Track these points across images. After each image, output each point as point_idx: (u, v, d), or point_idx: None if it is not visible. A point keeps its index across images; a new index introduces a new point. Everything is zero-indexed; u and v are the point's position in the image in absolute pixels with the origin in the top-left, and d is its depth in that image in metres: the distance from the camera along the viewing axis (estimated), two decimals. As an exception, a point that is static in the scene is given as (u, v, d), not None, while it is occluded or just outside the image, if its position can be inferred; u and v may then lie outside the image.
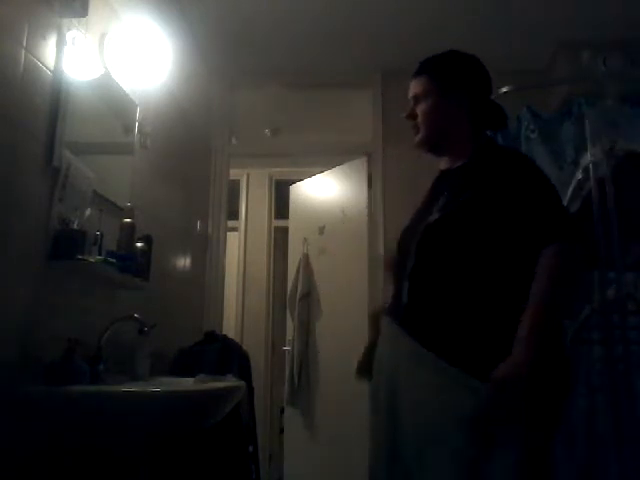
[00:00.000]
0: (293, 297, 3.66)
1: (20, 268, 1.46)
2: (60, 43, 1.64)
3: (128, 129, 2.14)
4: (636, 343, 1.99)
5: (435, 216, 1.25)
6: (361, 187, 3.38)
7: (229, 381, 1.80)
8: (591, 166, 2.15)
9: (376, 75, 3.34)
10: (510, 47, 2.98)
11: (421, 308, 1.22)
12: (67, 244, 1.57)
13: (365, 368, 1.36)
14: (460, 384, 1.11)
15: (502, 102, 1.43)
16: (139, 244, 1.98)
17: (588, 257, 1.52)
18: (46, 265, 1.55)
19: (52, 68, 1.62)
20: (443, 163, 1.41)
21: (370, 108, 3.36)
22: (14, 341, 1.43)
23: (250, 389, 2.58)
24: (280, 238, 4.43)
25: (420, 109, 1.37)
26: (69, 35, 1.67)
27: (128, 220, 1.91)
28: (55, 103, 1.62)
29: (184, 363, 2.43)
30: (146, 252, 2.02)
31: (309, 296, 3.58)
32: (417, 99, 1.38)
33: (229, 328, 3.73)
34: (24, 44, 1.49)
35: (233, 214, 3.98)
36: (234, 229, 4.22)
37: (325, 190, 3.71)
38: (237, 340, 3.08)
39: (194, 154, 3.04)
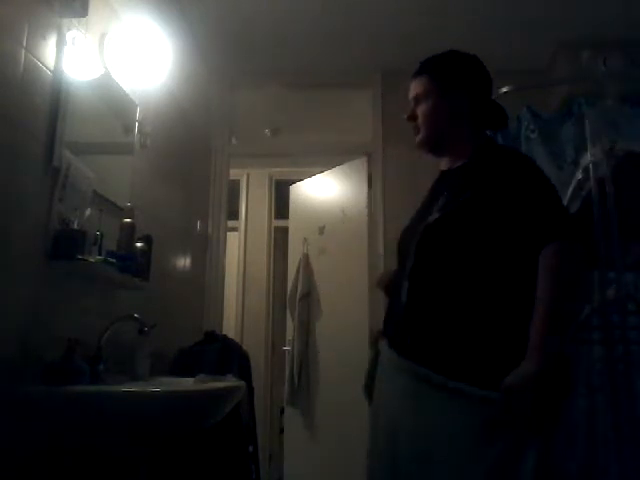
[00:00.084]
0: (293, 297, 3.66)
1: (20, 268, 1.46)
2: (60, 43, 1.64)
3: (128, 129, 2.14)
4: (636, 343, 1.99)
5: (435, 216, 1.25)
6: (361, 187, 3.38)
7: (229, 381, 1.80)
8: (591, 166, 2.15)
9: (376, 75, 3.34)
10: (510, 47, 2.98)
11: (421, 308, 1.22)
12: (67, 244, 1.57)
13: (369, 388, 1.35)
14: (464, 398, 1.10)
15: (502, 102, 1.43)
16: (139, 244, 1.98)
17: (589, 255, 1.52)
18: (46, 265, 1.55)
19: (52, 68, 1.62)
20: (443, 163, 1.41)
21: (370, 108, 3.36)
22: (14, 341, 1.43)
23: (250, 389, 2.58)
24: (280, 238, 4.43)
25: (420, 110, 1.37)
26: (69, 35, 1.67)
27: (128, 220, 1.91)
28: (55, 103, 1.62)
29: (184, 363, 2.43)
30: (146, 252, 2.02)
31: (309, 296, 3.58)
32: (418, 100, 1.38)
33: (229, 328, 3.73)
34: (24, 44, 1.49)
35: (233, 214, 3.98)
36: (234, 229, 4.22)
37: (325, 190, 3.71)
38: (237, 340, 3.08)
39: (194, 154, 3.04)
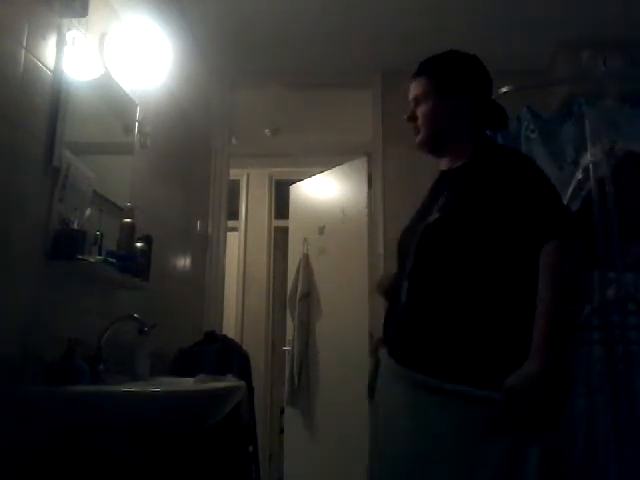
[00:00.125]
0: (293, 297, 3.66)
1: (20, 268, 1.46)
2: (60, 43, 1.64)
3: (128, 129, 2.14)
4: (636, 343, 1.99)
5: (435, 216, 1.25)
6: (361, 187, 3.38)
7: (229, 381, 1.80)
8: (591, 166, 2.15)
9: (376, 75, 3.34)
10: (510, 47, 2.98)
11: (421, 308, 1.21)
12: (67, 244, 1.57)
13: (372, 392, 1.35)
14: (463, 399, 1.10)
15: (502, 102, 1.43)
16: (139, 244, 1.98)
17: (590, 252, 1.51)
18: (46, 265, 1.55)
19: (52, 68, 1.62)
20: (443, 163, 1.41)
21: (370, 108, 3.36)
22: (14, 341, 1.43)
23: (250, 389, 2.58)
24: (280, 238, 4.44)
25: (420, 111, 1.36)
26: (69, 35, 1.67)
27: (128, 220, 1.91)
28: (55, 103, 1.62)
29: (184, 363, 2.43)
30: (146, 252, 2.02)
31: (309, 296, 3.58)
32: (417, 101, 1.38)
33: (229, 328, 3.73)
34: (24, 44, 1.49)
35: (233, 214, 3.98)
36: (234, 229, 4.22)
37: (325, 190, 3.71)
38: (237, 340, 3.08)
39: (194, 154, 3.04)
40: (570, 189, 2.21)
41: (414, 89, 1.39)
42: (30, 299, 1.50)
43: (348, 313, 3.28)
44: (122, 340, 1.84)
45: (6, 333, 1.40)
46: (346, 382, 3.11)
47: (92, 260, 1.64)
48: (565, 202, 2.10)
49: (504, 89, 2.23)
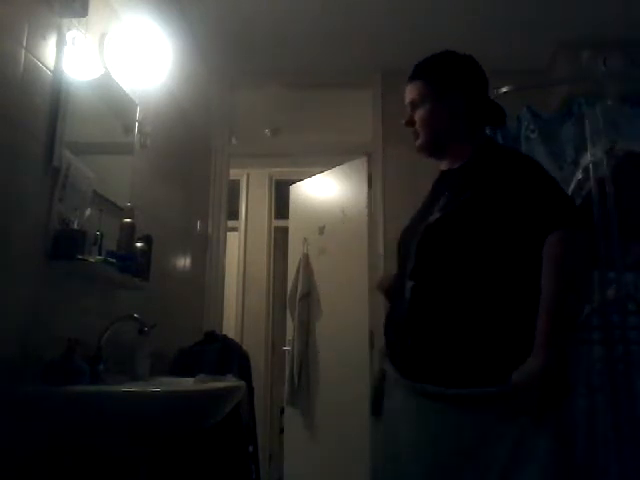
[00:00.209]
0: (293, 297, 3.66)
1: (20, 268, 1.46)
2: (60, 43, 1.64)
3: (128, 129, 2.14)
4: (636, 343, 1.99)
5: (436, 216, 1.25)
6: (361, 187, 3.38)
7: (229, 381, 1.80)
8: (591, 166, 2.15)
9: (376, 75, 3.34)
10: (510, 47, 2.98)
11: (422, 309, 1.21)
12: (67, 244, 1.57)
13: (376, 408, 1.34)
14: (465, 401, 1.10)
15: (502, 102, 1.43)
16: (139, 244, 1.98)
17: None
18: (46, 265, 1.55)
19: (52, 68, 1.62)
20: (444, 164, 1.41)
21: (370, 108, 3.36)
22: (14, 341, 1.43)
23: (250, 389, 2.58)
24: (280, 238, 4.44)
25: (418, 115, 1.36)
26: (69, 35, 1.67)
27: (128, 220, 1.91)
28: (55, 103, 1.62)
29: (184, 363, 2.43)
30: (146, 252, 2.02)
31: (309, 296, 3.58)
32: (414, 105, 1.37)
33: (229, 328, 3.73)
34: (24, 44, 1.49)
35: (233, 214, 3.98)
36: (234, 229, 4.22)
37: (325, 190, 3.71)
38: (237, 340, 3.08)
39: (194, 154, 3.04)
40: (570, 189, 2.21)
41: (410, 93, 1.38)
42: (30, 299, 1.50)
43: (348, 313, 3.28)
44: (122, 340, 1.84)
45: (6, 333, 1.40)
46: (346, 382, 3.11)
47: (92, 260, 1.64)
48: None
49: (504, 89, 2.23)
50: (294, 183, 3.96)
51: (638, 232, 2.12)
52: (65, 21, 1.67)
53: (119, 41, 2.04)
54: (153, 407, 1.45)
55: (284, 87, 3.44)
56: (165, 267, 2.51)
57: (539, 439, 1.05)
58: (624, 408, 1.93)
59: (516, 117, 2.41)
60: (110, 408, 1.40)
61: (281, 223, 4.39)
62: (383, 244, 3.13)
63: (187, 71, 2.86)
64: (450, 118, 1.34)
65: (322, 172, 3.72)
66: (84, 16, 1.72)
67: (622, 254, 2.04)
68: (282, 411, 3.81)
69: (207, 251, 3.20)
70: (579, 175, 2.21)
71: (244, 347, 2.75)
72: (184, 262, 2.86)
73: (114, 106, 2.04)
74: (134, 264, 1.88)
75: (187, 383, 1.82)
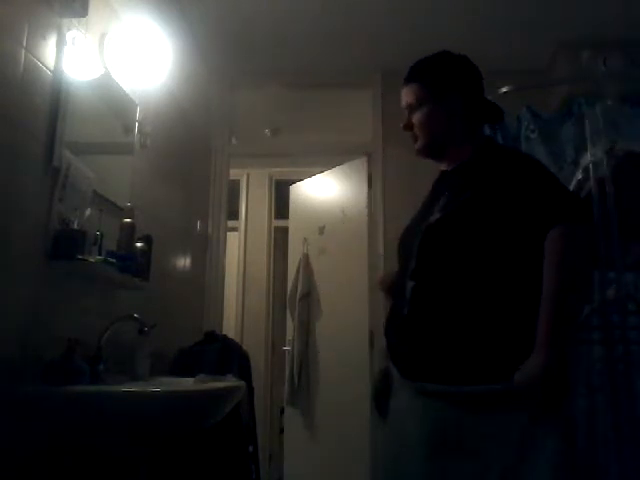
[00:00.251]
0: (293, 297, 3.66)
1: (20, 268, 1.46)
2: (60, 43, 1.64)
3: (128, 129, 2.14)
4: (636, 343, 1.99)
5: (436, 216, 1.25)
6: (361, 187, 3.38)
7: (229, 381, 1.80)
8: (591, 166, 2.15)
9: (376, 75, 3.34)
10: (510, 47, 2.98)
11: (423, 310, 1.21)
12: (67, 244, 1.57)
13: (381, 409, 1.35)
14: (467, 399, 1.11)
15: (502, 102, 1.43)
16: (139, 244, 1.98)
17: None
18: (46, 265, 1.55)
19: (52, 68, 1.61)
20: (444, 164, 1.41)
21: (370, 108, 3.36)
22: (14, 341, 1.43)
23: (250, 389, 2.58)
24: (280, 238, 4.44)
25: (416, 118, 1.35)
26: (69, 35, 1.67)
27: (128, 220, 1.91)
28: (55, 103, 1.62)
29: (184, 363, 2.43)
30: (146, 252, 2.02)
31: (309, 296, 3.58)
32: (411, 108, 1.36)
33: (229, 328, 3.73)
34: (24, 44, 1.49)
35: (233, 214, 3.98)
36: (234, 229, 4.22)
37: (325, 190, 3.71)
38: (237, 340, 3.08)
39: (194, 154, 3.04)
40: (570, 189, 2.21)
41: (406, 96, 1.37)
42: (30, 299, 1.50)
43: (348, 313, 3.28)
44: (122, 340, 1.84)
45: (6, 333, 1.40)
46: (346, 382, 3.11)
47: (92, 260, 1.64)
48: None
49: (504, 89, 2.23)
50: (294, 183, 3.96)
51: (638, 232, 2.12)
52: (65, 21, 1.67)
53: (119, 41, 2.04)
54: (153, 407, 1.45)
55: (284, 87, 3.44)
56: (165, 267, 2.51)
57: (547, 439, 1.05)
58: (624, 408, 1.93)
59: (516, 117, 2.41)
60: (110, 408, 1.40)
61: (281, 223, 4.39)
62: (383, 244, 3.13)
63: (187, 71, 2.86)
64: (448, 120, 1.33)
65: (322, 172, 3.72)
66: (84, 16, 1.72)
67: (622, 254, 2.04)
68: (282, 411, 3.81)
69: (207, 251, 3.20)
70: (579, 175, 2.21)
71: (244, 347, 2.75)
72: (184, 262, 2.86)
73: (114, 106, 2.04)
74: (134, 264, 1.88)
75: (187, 383, 1.82)
